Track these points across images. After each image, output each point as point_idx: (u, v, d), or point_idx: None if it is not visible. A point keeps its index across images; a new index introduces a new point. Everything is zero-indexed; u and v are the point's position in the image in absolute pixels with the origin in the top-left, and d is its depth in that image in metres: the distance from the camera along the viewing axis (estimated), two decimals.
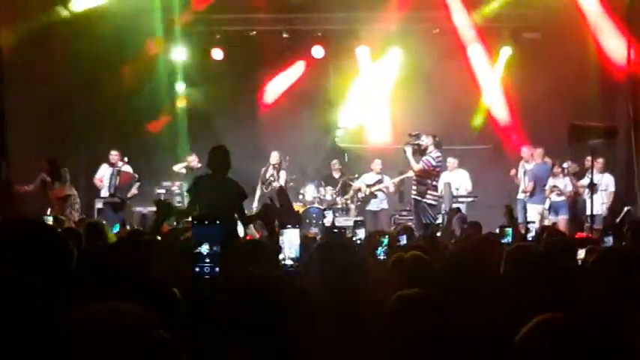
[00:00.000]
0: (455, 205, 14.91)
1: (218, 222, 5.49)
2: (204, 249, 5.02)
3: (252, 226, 11.47)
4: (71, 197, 15.41)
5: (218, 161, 8.71)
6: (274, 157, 16.66)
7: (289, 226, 5.43)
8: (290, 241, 5.27)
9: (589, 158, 13.94)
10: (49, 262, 2.54)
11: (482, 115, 17.95)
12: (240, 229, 8.82)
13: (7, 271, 2.48)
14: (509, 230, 8.26)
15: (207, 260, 4.96)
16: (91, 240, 7.01)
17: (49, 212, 14.53)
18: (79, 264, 4.99)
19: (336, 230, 9.63)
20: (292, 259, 5.20)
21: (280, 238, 5.30)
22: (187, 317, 3.28)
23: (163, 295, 3.35)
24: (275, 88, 18.70)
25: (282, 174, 16.58)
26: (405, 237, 8.07)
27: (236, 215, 8.71)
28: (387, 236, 6.93)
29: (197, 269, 4.92)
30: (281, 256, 5.22)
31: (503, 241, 8.07)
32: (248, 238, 8.91)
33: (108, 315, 2.05)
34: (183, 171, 16.66)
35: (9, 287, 2.50)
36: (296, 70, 18.63)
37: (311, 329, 3.00)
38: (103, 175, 16.10)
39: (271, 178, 16.47)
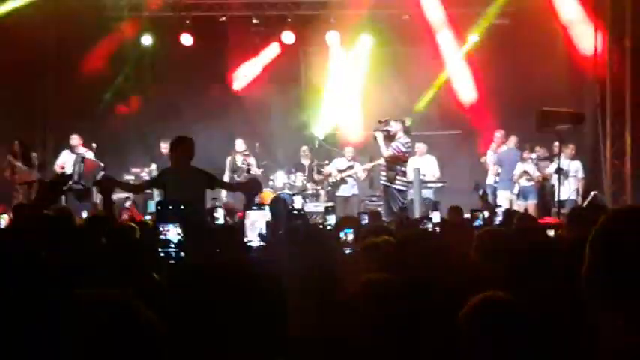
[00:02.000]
0: (424, 191, 14.99)
1: (182, 207, 5.52)
2: (169, 234, 5.04)
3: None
4: (36, 184, 15.18)
5: (181, 152, 8.74)
6: (239, 144, 16.63)
7: (254, 207, 5.45)
8: (255, 223, 5.29)
9: (557, 144, 14.07)
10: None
11: (430, 98, 17.93)
12: (219, 215, 8.84)
13: None
14: (480, 214, 8.36)
15: (172, 245, 4.99)
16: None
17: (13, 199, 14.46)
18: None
19: (295, 212, 9.64)
20: (258, 240, 5.23)
21: (246, 220, 5.33)
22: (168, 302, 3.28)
23: (147, 280, 3.35)
24: (245, 74, 18.62)
25: (252, 161, 16.54)
26: (366, 216, 8.19)
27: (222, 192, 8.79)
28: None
29: (162, 254, 4.94)
30: (246, 239, 5.24)
31: (475, 224, 8.16)
32: (239, 215, 8.92)
33: (98, 301, 2.05)
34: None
35: None
36: (266, 56, 18.55)
37: (283, 316, 3.01)
38: (65, 161, 15.80)
39: (243, 166, 16.40)
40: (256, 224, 5.31)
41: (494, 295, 2.65)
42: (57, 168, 15.86)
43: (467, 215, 9.55)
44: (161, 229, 5.10)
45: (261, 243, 5.21)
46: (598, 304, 2.15)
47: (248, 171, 16.37)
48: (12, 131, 15.70)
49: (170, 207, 5.05)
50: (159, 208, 5.13)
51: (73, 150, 15.80)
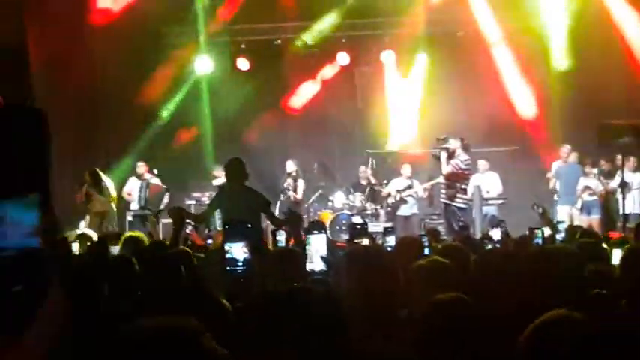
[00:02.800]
0: (485, 208, 14.86)
1: (249, 225, 5.55)
2: (235, 252, 5.10)
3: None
4: (109, 213, 15.36)
5: (233, 173, 8.80)
6: (289, 165, 16.65)
7: (315, 232, 5.47)
8: (317, 248, 5.31)
9: (620, 157, 13.84)
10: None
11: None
12: (281, 237, 8.90)
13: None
14: (539, 232, 8.24)
15: (239, 263, 5.04)
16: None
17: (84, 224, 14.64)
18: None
19: (358, 226, 9.64)
20: (320, 266, 5.24)
21: (307, 246, 5.34)
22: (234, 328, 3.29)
23: (213, 306, 3.37)
24: (301, 96, 18.67)
25: (300, 183, 16.49)
26: (426, 238, 8.14)
27: (267, 221, 8.84)
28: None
29: (229, 271, 4.99)
30: (308, 265, 5.26)
31: (534, 242, 8.05)
32: (291, 242, 8.99)
33: (161, 329, 2.07)
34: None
35: None
36: (321, 77, 18.60)
37: (342, 338, 3.01)
38: (132, 188, 16.12)
39: (288, 187, 16.43)
40: (319, 248, 5.33)
41: (561, 314, 2.58)
42: (125, 195, 16.18)
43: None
44: (227, 247, 5.17)
45: (324, 267, 5.23)
46: None
47: (286, 192, 16.40)
48: (74, 160, 15.94)
49: (235, 226, 5.13)
50: (226, 227, 5.21)
51: (139, 177, 16.06)
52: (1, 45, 13.44)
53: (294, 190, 16.29)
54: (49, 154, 2.41)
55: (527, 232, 8.63)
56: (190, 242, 10.22)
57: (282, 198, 16.39)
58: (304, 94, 18.67)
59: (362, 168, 17.23)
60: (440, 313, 3.18)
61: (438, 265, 4.62)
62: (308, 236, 5.45)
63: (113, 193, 15.39)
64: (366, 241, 7.56)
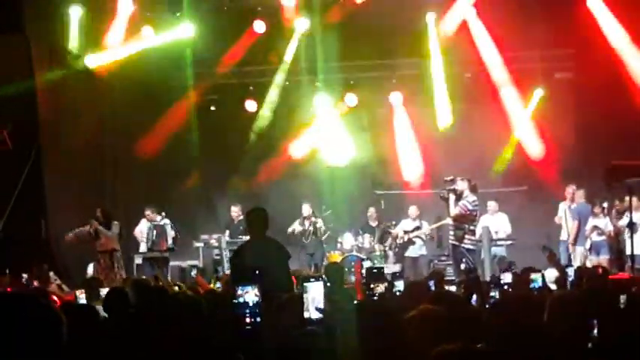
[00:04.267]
0: (494, 249, 14.83)
1: (257, 272, 5.55)
2: (247, 297, 5.09)
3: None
4: (117, 252, 15.44)
5: (256, 223, 8.73)
6: (306, 209, 16.80)
7: (313, 279, 5.48)
8: (313, 296, 5.31)
9: (628, 198, 13.81)
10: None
11: (508, 157, 17.78)
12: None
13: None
14: (538, 276, 8.24)
15: (248, 309, 5.03)
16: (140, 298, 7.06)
17: (92, 267, 14.71)
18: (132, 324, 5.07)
19: (375, 270, 9.68)
20: (315, 315, 5.24)
21: (305, 294, 5.34)
22: None
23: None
24: (309, 138, 18.66)
25: (320, 223, 16.73)
26: (432, 282, 8.15)
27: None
28: None
29: (239, 317, 4.99)
30: (306, 313, 5.26)
31: (531, 286, 8.06)
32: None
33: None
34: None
35: None
36: (329, 118, 18.62)
37: None
38: (142, 229, 16.27)
39: (310, 228, 16.61)
40: (316, 297, 5.33)
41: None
42: (137, 234, 16.38)
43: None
44: (239, 291, 5.15)
45: (320, 316, 5.22)
46: None
47: (315, 233, 16.55)
48: (81, 203, 16.03)
49: (247, 271, 5.15)
50: (235, 272, 5.26)
51: (149, 220, 16.16)
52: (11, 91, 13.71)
53: (315, 234, 16.66)
54: None
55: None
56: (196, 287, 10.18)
57: (304, 240, 16.56)
58: (312, 136, 18.63)
59: (371, 209, 17.24)
60: None
61: (429, 314, 4.59)
62: (305, 284, 5.45)
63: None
64: (382, 287, 7.56)
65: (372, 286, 7.62)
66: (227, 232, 16.61)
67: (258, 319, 5.07)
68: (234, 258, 9.01)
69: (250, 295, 5.12)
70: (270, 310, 5.35)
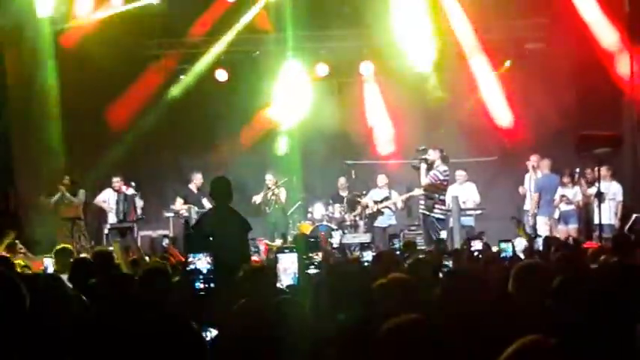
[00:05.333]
0: (462, 219, 14.87)
1: (211, 238, 5.54)
2: (199, 263, 5.08)
3: None
4: (81, 221, 15.37)
5: (220, 194, 8.72)
6: (269, 178, 16.87)
7: (286, 250, 5.48)
8: (285, 267, 5.31)
9: (597, 167, 13.89)
10: None
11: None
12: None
13: None
14: (508, 245, 8.29)
15: (201, 276, 5.03)
16: (102, 270, 7.00)
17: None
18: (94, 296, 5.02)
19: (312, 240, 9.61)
20: (289, 284, 5.25)
21: (277, 264, 5.35)
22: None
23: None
24: (279, 108, 18.52)
25: (283, 192, 16.89)
26: (397, 240, 8.15)
27: None
28: None
29: (195, 284, 4.97)
30: (278, 283, 5.26)
31: (502, 255, 8.09)
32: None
33: None
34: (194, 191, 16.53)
35: None
36: (301, 89, 18.47)
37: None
38: (107, 198, 16.17)
39: (271, 199, 16.59)
40: (288, 267, 5.33)
41: (535, 341, 2.51)
42: (99, 202, 16.27)
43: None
44: (191, 259, 5.15)
45: (293, 283, 5.23)
46: None
47: (277, 202, 16.53)
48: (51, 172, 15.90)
49: (199, 237, 5.17)
50: (187, 239, 5.28)
51: (116, 191, 16.06)
52: None
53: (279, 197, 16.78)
54: None
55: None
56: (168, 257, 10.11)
57: (267, 209, 16.51)
58: (283, 105, 18.52)
59: (341, 179, 17.21)
60: (392, 339, 2.94)
61: (399, 282, 4.58)
62: (277, 255, 5.46)
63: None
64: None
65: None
66: (181, 201, 16.46)
67: (212, 285, 5.06)
68: (195, 225, 9.01)
69: (202, 262, 5.12)
70: (235, 281, 5.32)
